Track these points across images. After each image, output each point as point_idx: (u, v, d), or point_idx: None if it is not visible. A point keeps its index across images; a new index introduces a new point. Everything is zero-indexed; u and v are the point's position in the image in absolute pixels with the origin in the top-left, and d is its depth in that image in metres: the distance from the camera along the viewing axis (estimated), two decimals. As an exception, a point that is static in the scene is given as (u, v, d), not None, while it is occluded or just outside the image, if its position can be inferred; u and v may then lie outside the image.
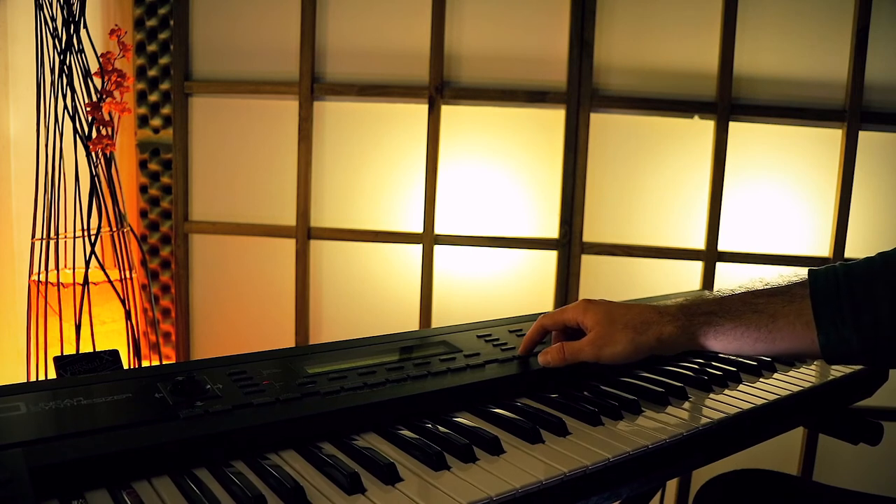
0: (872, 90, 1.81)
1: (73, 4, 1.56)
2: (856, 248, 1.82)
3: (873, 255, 0.79)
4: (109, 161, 1.64)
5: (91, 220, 1.62)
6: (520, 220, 1.92)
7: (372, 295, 1.97)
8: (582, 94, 1.84)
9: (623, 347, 0.82)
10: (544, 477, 0.64)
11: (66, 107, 1.58)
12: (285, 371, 0.78)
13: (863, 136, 1.81)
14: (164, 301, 2.20)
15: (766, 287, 0.83)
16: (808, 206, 1.86)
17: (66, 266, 1.63)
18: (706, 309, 0.84)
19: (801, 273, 0.82)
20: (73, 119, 1.58)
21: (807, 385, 0.94)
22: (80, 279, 1.59)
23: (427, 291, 1.92)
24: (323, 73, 1.93)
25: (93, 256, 1.60)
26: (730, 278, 1.88)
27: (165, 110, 2.13)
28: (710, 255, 1.86)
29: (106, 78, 1.58)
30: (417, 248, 1.92)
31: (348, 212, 1.95)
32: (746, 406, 0.85)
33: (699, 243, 1.88)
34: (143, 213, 2.19)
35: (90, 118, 1.59)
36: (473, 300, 1.94)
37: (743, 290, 0.85)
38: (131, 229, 1.72)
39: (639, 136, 1.88)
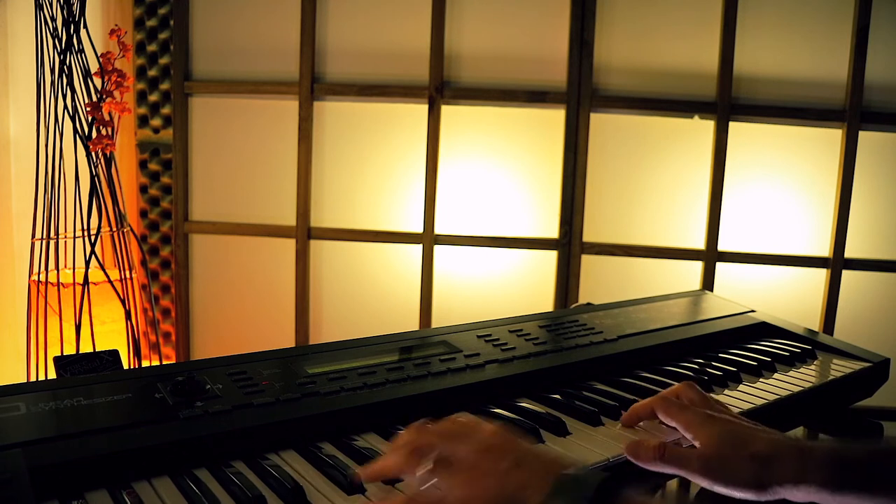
0: (872, 90, 1.81)
1: (73, 4, 1.56)
2: (856, 248, 1.81)
3: None
4: (109, 161, 1.64)
5: (91, 220, 1.62)
6: (520, 220, 1.92)
7: (372, 295, 1.97)
8: (582, 94, 1.84)
9: (744, 484, 0.66)
10: (544, 477, 0.64)
11: (66, 107, 1.58)
12: (285, 371, 0.78)
13: (863, 136, 1.81)
14: (164, 301, 2.20)
15: None
16: (808, 206, 1.86)
17: (66, 266, 1.63)
18: (860, 464, 0.66)
19: None
20: (73, 119, 1.58)
21: (807, 385, 0.94)
22: (80, 279, 1.59)
23: (427, 291, 1.92)
24: (323, 73, 1.92)
25: (93, 256, 1.60)
26: (730, 278, 1.88)
27: (165, 110, 2.13)
28: (710, 255, 1.86)
29: (106, 78, 1.58)
30: (417, 248, 1.92)
31: (348, 212, 1.95)
32: (747, 406, 0.85)
33: (699, 243, 1.88)
34: (143, 213, 2.19)
35: (90, 118, 1.59)
36: (473, 300, 1.94)
37: None
38: (131, 229, 1.72)
39: (639, 136, 1.88)
